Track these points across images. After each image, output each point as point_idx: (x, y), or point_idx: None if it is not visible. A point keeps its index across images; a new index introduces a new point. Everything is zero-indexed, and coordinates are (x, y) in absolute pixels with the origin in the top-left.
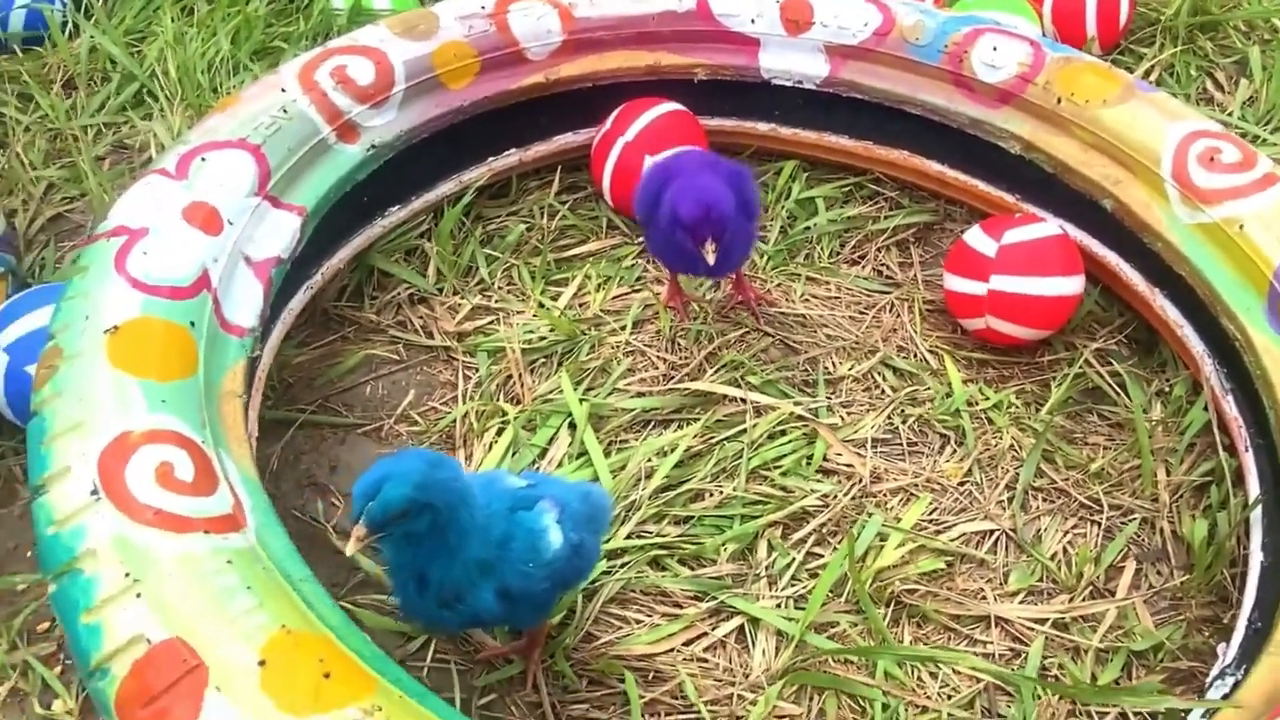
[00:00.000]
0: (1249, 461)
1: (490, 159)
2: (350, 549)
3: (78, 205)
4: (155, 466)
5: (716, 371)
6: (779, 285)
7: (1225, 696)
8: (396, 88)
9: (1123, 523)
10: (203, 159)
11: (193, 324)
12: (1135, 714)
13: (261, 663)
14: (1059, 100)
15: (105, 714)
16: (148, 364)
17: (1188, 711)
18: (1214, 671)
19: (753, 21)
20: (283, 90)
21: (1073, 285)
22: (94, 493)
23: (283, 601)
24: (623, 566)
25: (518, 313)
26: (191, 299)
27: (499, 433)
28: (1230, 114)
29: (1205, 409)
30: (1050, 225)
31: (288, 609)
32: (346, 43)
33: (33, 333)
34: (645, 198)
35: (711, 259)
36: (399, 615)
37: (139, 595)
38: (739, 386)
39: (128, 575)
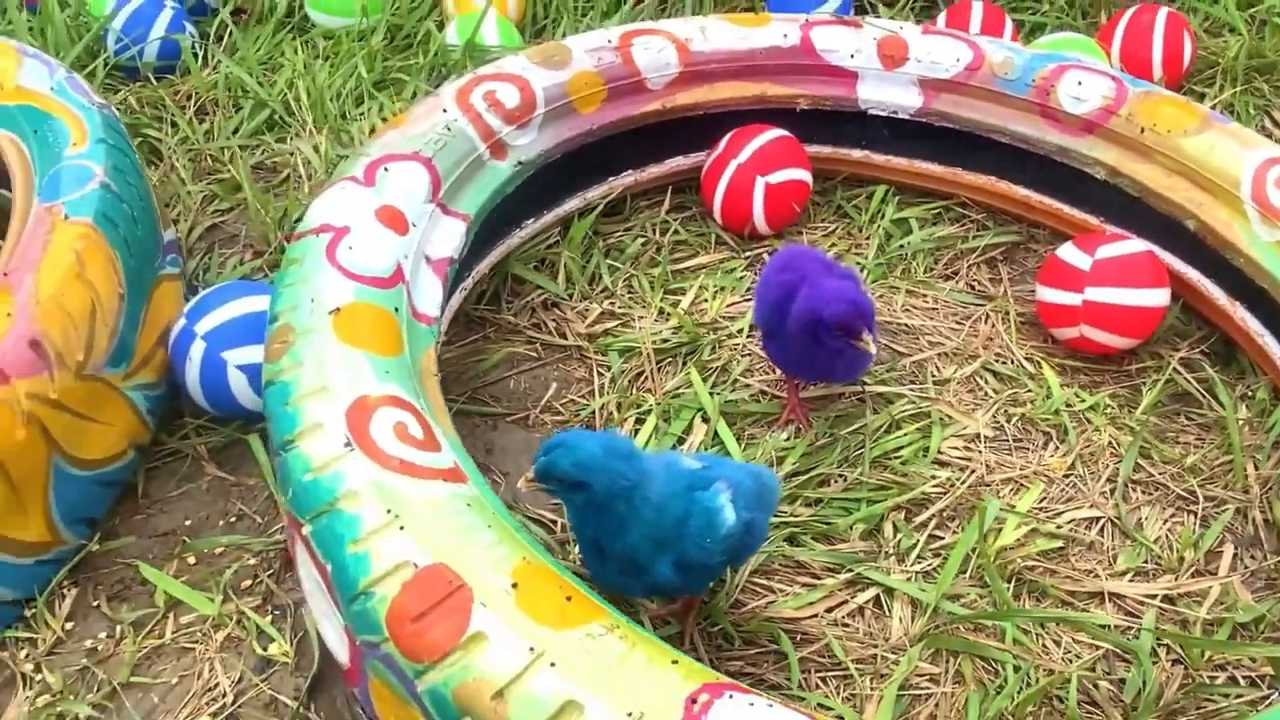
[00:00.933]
0: None
1: (610, 178)
2: (521, 485)
3: (229, 217)
4: (393, 425)
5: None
6: (881, 297)
7: None
8: (538, 111)
9: (1217, 512)
10: (385, 169)
11: (396, 310)
12: (1244, 679)
13: (514, 585)
14: (1142, 130)
15: (372, 631)
16: (369, 340)
17: None
18: None
19: (852, 56)
20: (444, 111)
21: (1161, 297)
22: (347, 444)
23: (515, 541)
24: (765, 542)
25: (640, 318)
26: (392, 289)
27: (639, 421)
28: None
29: None
30: (1138, 242)
31: (521, 547)
32: (493, 70)
33: (228, 322)
34: (767, 310)
35: (874, 348)
36: (586, 578)
37: (402, 528)
38: (857, 384)
39: (389, 512)
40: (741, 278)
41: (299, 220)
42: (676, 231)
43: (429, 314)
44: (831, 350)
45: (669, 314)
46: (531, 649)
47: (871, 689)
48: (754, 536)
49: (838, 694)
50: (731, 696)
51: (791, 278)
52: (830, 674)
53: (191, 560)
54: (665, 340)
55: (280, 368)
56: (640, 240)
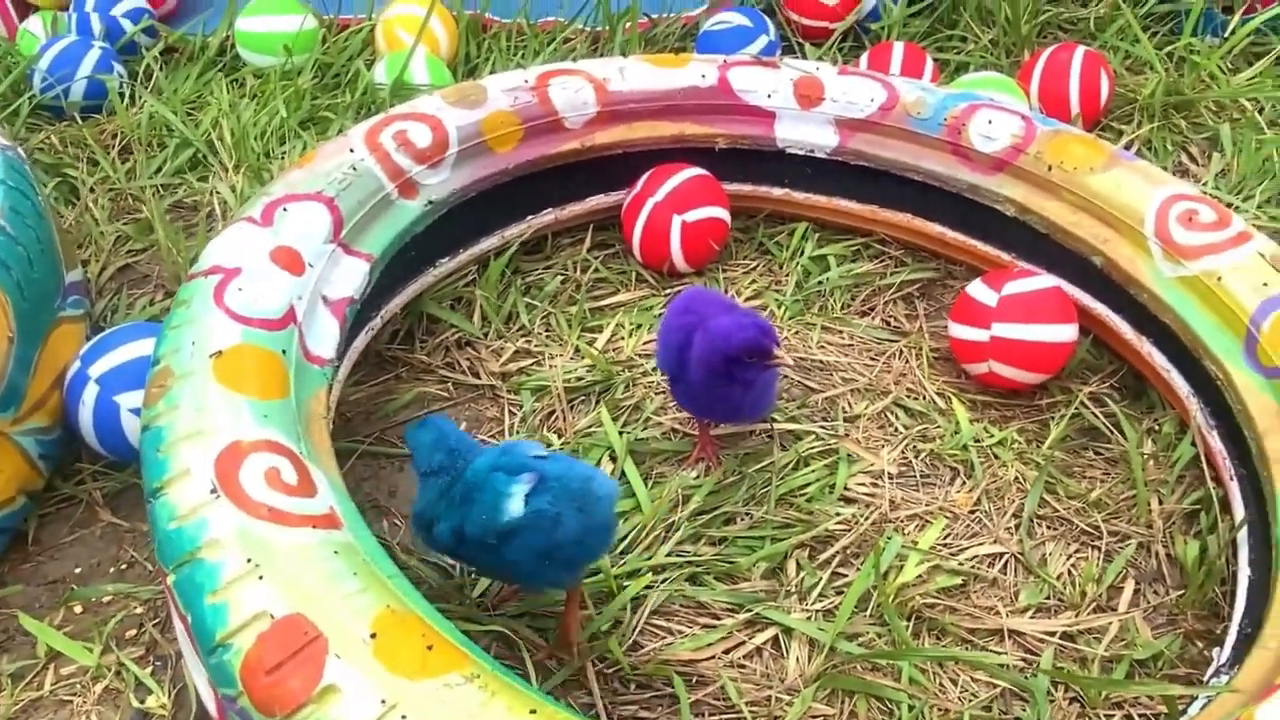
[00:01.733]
0: (1234, 489)
1: (529, 217)
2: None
3: (143, 257)
4: (264, 470)
5: None
6: (796, 333)
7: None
8: (450, 150)
9: (1121, 547)
10: (284, 209)
11: (284, 352)
12: (1140, 716)
13: (373, 635)
14: (1049, 168)
15: (229, 684)
16: (250, 384)
17: (1185, 709)
18: (1210, 671)
19: (769, 96)
20: (351, 150)
21: (1068, 333)
22: (213, 491)
23: (382, 588)
24: (664, 581)
25: (557, 356)
26: (282, 330)
27: None
28: (1205, 184)
29: (1192, 444)
30: (1046, 278)
31: (388, 594)
32: (406, 109)
33: (122, 365)
34: (670, 355)
35: (789, 359)
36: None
37: (261, 577)
38: (764, 421)
39: (249, 560)
40: (659, 314)
41: (193, 261)
42: (597, 269)
43: (323, 355)
44: (742, 384)
45: (584, 352)
46: (384, 701)
47: None
48: (563, 533)
49: None
50: None
51: (691, 320)
52: (724, 716)
53: (78, 609)
54: (579, 379)
55: (156, 412)
56: (560, 278)
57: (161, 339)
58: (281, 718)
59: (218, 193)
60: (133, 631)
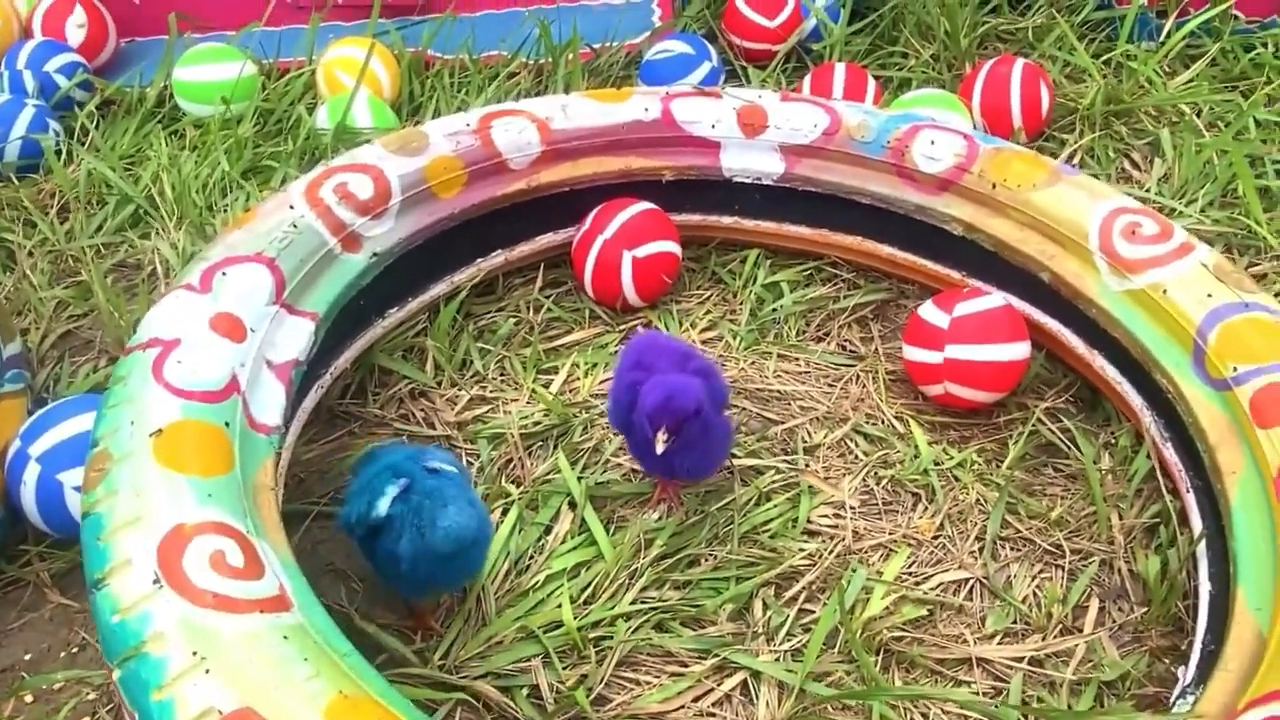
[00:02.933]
0: (1190, 501)
1: (479, 260)
2: None
3: (85, 322)
4: (209, 555)
5: None
6: (753, 364)
7: (1187, 713)
8: (393, 200)
9: (1084, 565)
10: (223, 273)
11: (227, 424)
12: None
13: None
14: (993, 186)
15: None
16: (192, 462)
17: None
18: (1175, 692)
19: (713, 127)
20: (291, 207)
21: (1021, 350)
22: (156, 581)
23: (335, 671)
24: (631, 631)
25: (513, 400)
26: (224, 401)
27: (504, 513)
28: (1148, 190)
29: (1148, 457)
30: (996, 297)
31: (340, 677)
32: (346, 161)
33: (63, 442)
34: (619, 411)
35: (660, 447)
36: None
37: (208, 671)
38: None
39: (195, 654)
40: (614, 352)
41: (133, 330)
42: (550, 308)
43: (269, 423)
44: (681, 446)
45: (539, 396)
46: None
47: None
48: (406, 556)
49: None
50: None
51: (638, 376)
52: None
53: (29, 698)
54: (535, 423)
55: (95, 498)
56: (513, 320)
57: (99, 419)
58: None
59: (159, 251)
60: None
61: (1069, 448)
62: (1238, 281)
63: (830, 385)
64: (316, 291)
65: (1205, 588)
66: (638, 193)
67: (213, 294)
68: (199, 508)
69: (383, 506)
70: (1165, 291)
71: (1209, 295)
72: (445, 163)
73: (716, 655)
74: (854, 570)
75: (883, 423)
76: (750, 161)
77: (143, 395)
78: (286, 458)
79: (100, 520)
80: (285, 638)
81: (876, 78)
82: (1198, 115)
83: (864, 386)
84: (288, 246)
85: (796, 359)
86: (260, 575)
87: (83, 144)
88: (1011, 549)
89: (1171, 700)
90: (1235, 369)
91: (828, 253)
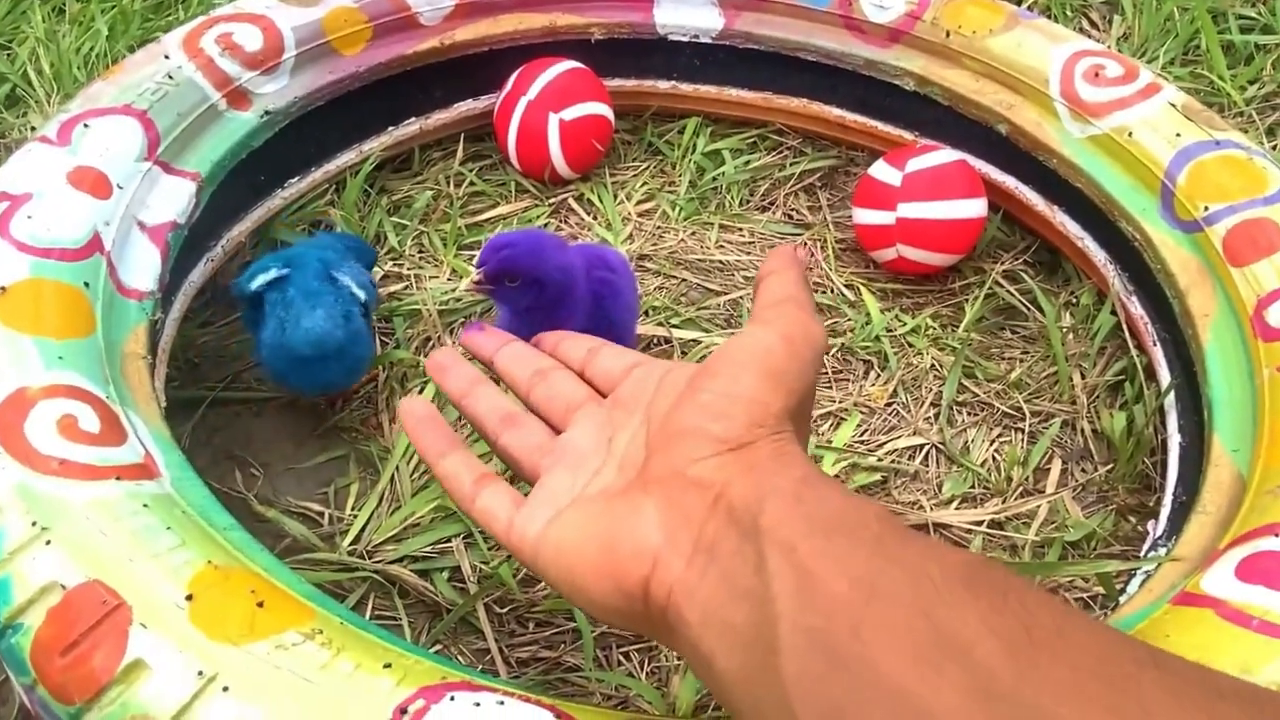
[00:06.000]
0: (1158, 354)
1: (390, 128)
2: (464, 286)
3: None
4: (57, 419)
5: (640, 317)
6: (693, 234)
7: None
8: (287, 54)
9: (1045, 427)
10: (85, 125)
11: (87, 284)
12: (1077, 600)
13: (189, 597)
14: (948, 34)
15: (21, 672)
16: (40, 323)
17: (1124, 587)
18: (1146, 545)
19: None
20: (166, 57)
21: (977, 207)
22: None
23: (207, 542)
24: None
25: (432, 278)
26: (84, 260)
27: (421, 391)
28: (1107, 48)
29: (1112, 312)
30: (950, 152)
31: (213, 548)
32: (231, 11)
33: None
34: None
35: (465, 283)
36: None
37: (49, 542)
38: (664, 327)
39: (35, 524)
40: (544, 225)
41: None
42: (472, 182)
43: (140, 288)
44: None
45: (461, 272)
46: (200, 673)
47: (678, 659)
48: (266, 344)
49: (641, 669)
50: (453, 698)
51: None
52: (633, 647)
53: None
54: (458, 300)
55: None
56: (430, 193)
57: None
58: (83, 704)
59: (34, 128)
60: None
61: (1028, 309)
62: (1208, 120)
63: None
64: (198, 150)
65: (1175, 440)
66: (564, 54)
67: (71, 147)
68: (45, 371)
69: (254, 284)
70: (1131, 134)
71: (1178, 135)
72: (345, 14)
73: None
74: None
75: (832, 291)
76: (686, 16)
77: None
78: (171, 334)
79: None
80: (146, 506)
81: None
82: None
83: (812, 255)
84: (162, 99)
85: (740, 229)
86: (121, 442)
87: None
88: (969, 413)
89: (1143, 553)
90: (1206, 209)
91: (771, 119)
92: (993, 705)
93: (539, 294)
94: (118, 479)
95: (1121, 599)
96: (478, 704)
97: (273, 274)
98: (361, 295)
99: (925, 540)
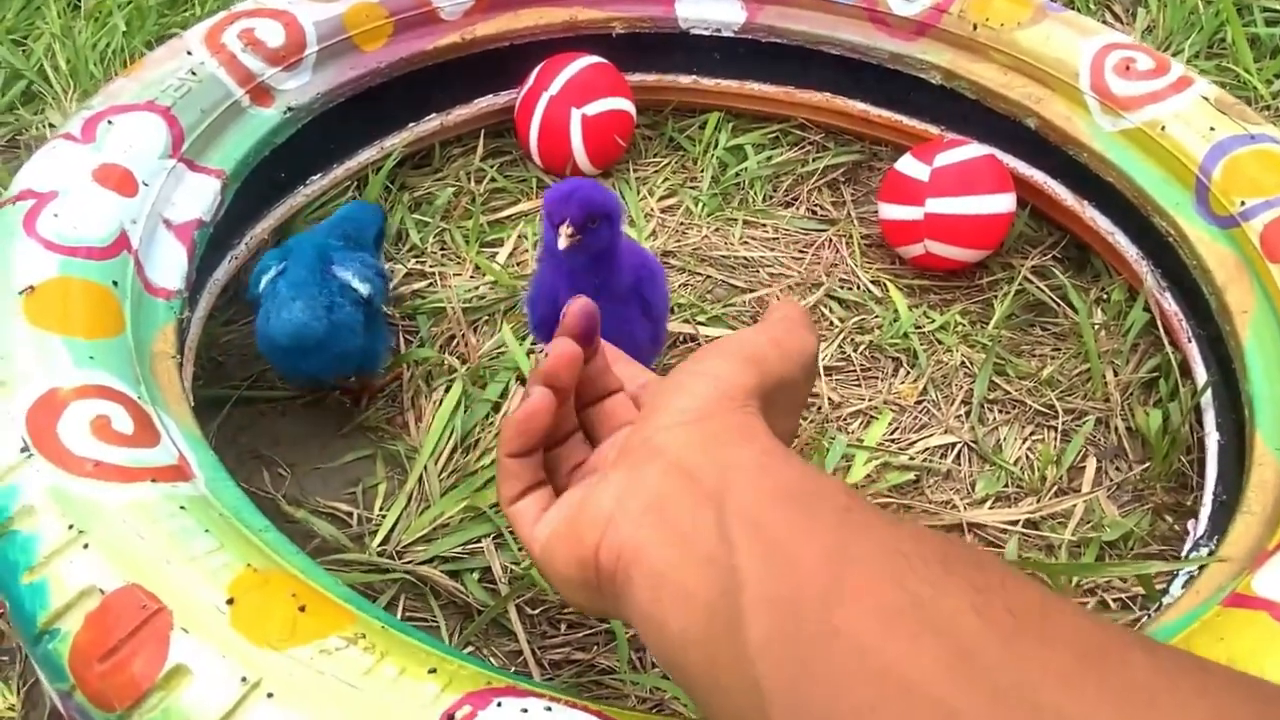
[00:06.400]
0: (1193, 351)
1: (411, 124)
2: (563, 243)
3: None
4: (90, 420)
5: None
6: (716, 230)
7: (1210, 557)
8: (309, 50)
9: (1078, 424)
10: (109, 122)
11: (115, 283)
12: (1115, 601)
13: (230, 601)
14: (975, 27)
15: (59, 678)
16: (70, 323)
17: (1165, 589)
18: (1188, 545)
19: None
20: (189, 53)
21: (1005, 202)
22: (24, 450)
23: (245, 544)
24: None
25: (455, 275)
26: (112, 259)
27: (447, 390)
28: (1136, 42)
29: (1145, 309)
30: (978, 146)
31: (251, 550)
32: (252, 6)
33: None
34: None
35: (563, 242)
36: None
37: (86, 546)
38: (690, 324)
39: (71, 527)
40: None
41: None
42: (493, 179)
43: (168, 286)
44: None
45: (484, 268)
46: (244, 678)
47: None
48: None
49: None
50: (500, 704)
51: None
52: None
53: None
54: (480, 297)
55: None
56: (452, 190)
57: None
58: (124, 711)
59: (52, 125)
60: None
61: (1058, 305)
62: (1241, 114)
63: (801, 251)
64: (222, 147)
65: (1213, 438)
66: (585, 48)
67: (96, 143)
68: (77, 370)
69: (259, 286)
70: (1164, 128)
71: (1211, 129)
72: (366, 9)
73: None
74: (833, 438)
75: (858, 288)
76: (708, 11)
77: (12, 250)
78: (196, 332)
79: None
80: (183, 508)
81: None
82: None
83: (837, 251)
84: (185, 95)
85: (763, 225)
86: (154, 443)
87: None
88: (1000, 411)
89: (1185, 554)
90: (1243, 204)
91: (794, 113)
92: (975, 676)
93: (609, 231)
94: (153, 481)
95: (1164, 600)
96: (525, 710)
97: (273, 272)
98: (363, 289)
99: (893, 517)
